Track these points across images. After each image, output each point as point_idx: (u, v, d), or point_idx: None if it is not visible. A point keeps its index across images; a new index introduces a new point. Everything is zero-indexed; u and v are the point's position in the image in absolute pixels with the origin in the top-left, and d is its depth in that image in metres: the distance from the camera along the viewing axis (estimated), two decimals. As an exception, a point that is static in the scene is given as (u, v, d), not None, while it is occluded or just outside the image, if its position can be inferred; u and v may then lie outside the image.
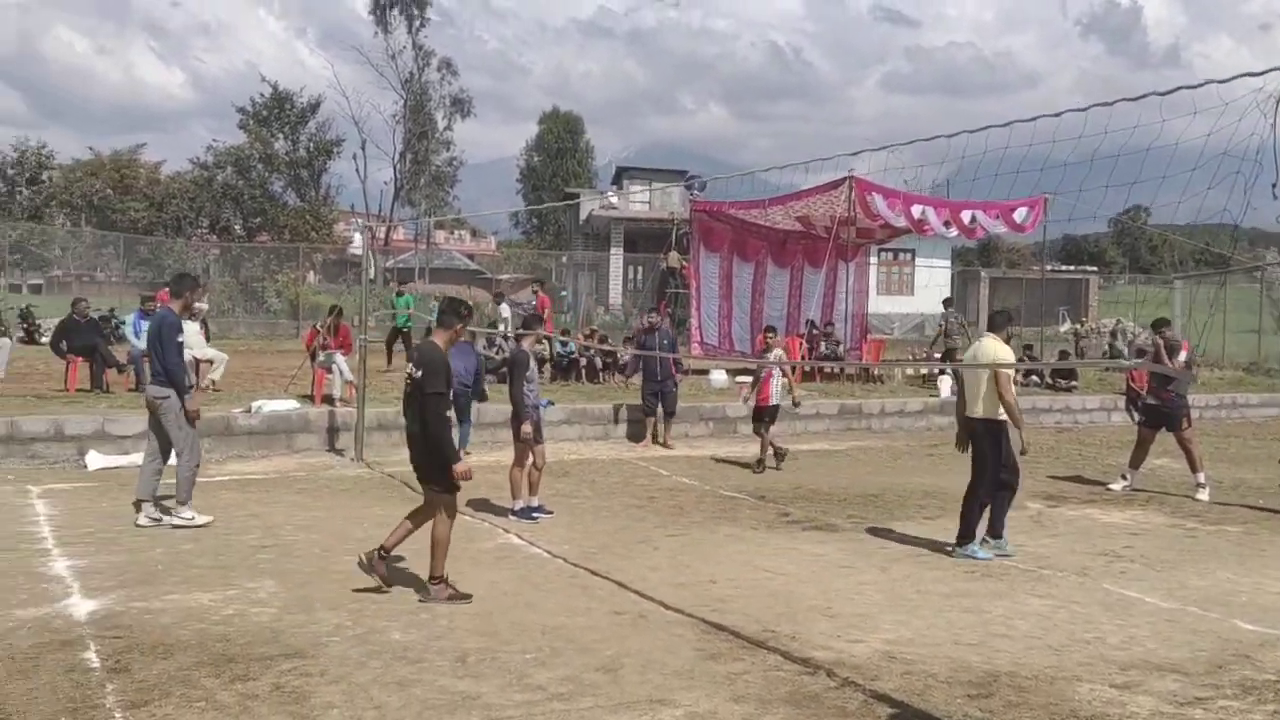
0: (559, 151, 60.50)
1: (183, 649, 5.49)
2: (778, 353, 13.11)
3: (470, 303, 9.52)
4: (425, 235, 47.89)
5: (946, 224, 18.39)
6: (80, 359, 13.84)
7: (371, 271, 15.20)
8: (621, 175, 43.08)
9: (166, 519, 8.46)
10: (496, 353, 17.90)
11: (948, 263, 36.01)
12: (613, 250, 38.09)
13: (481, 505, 9.73)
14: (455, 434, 8.02)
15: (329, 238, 47.30)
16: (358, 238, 51.06)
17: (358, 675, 5.19)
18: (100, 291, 41.05)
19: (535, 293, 23.28)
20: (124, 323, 15.18)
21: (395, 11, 47.55)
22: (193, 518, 8.47)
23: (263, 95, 44.24)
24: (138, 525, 8.35)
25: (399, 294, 20.93)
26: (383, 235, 48.59)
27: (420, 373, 6.48)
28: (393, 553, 6.71)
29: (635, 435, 14.58)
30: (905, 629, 6.19)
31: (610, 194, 40.73)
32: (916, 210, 18.08)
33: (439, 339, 6.70)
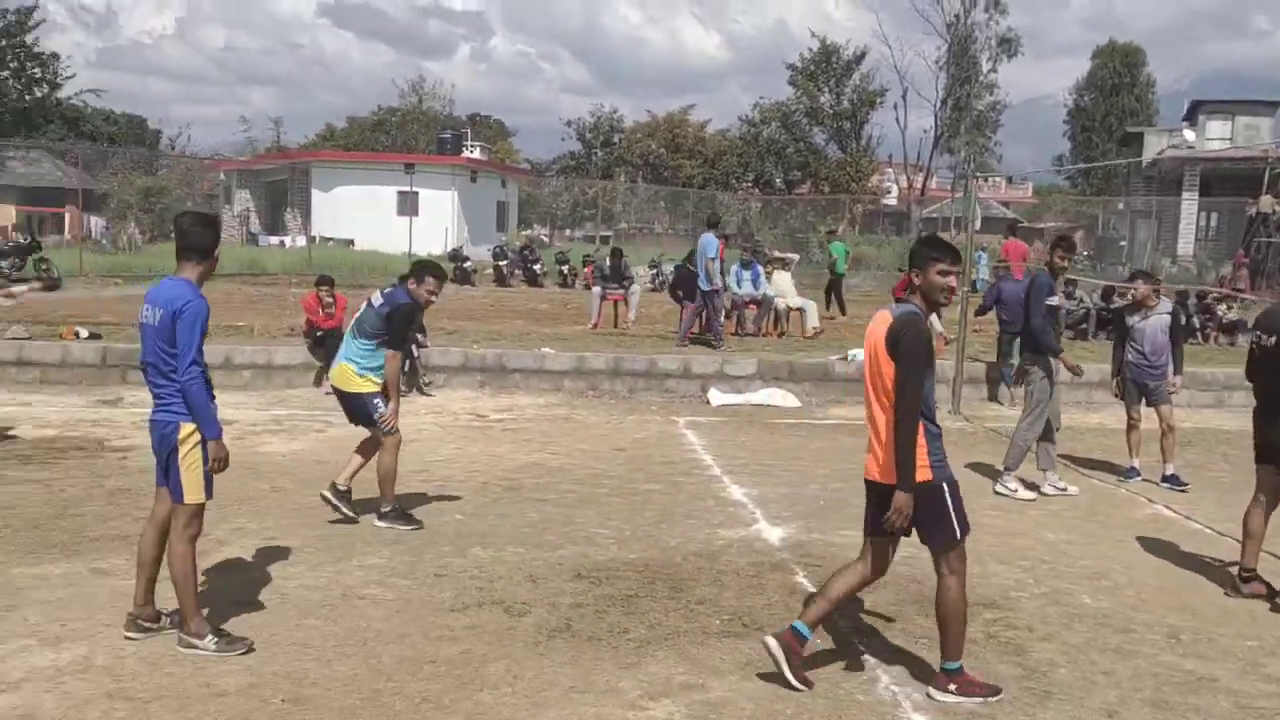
0: (1114, 88, 55.35)
1: (882, 585, 5.81)
2: None
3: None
4: (964, 184, 46.66)
5: None
6: (691, 304, 15.36)
7: (978, 223, 15.01)
8: (1196, 110, 38.26)
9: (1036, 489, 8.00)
10: (1078, 304, 16.88)
11: None
12: (1184, 195, 34.07)
13: (1098, 466, 9.25)
14: None
15: (865, 189, 47.92)
16: (895, 188, 51.22)
17: (1067, 636, 5.14)
18: (658, 242, 45.58)
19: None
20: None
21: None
22: (1015, 489, 7.92)
23: (810, 50, 45.70)
24: (997, 491, 7.97)
25: (830, 242, 21.69)
26: (919, 185, 48.24)
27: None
28: None
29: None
30: None
31: (1185, 130, 36.38)
32: None
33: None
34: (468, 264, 28.98)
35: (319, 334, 12.05)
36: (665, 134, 57.82)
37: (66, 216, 41.75)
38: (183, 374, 4.38)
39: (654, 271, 28.47)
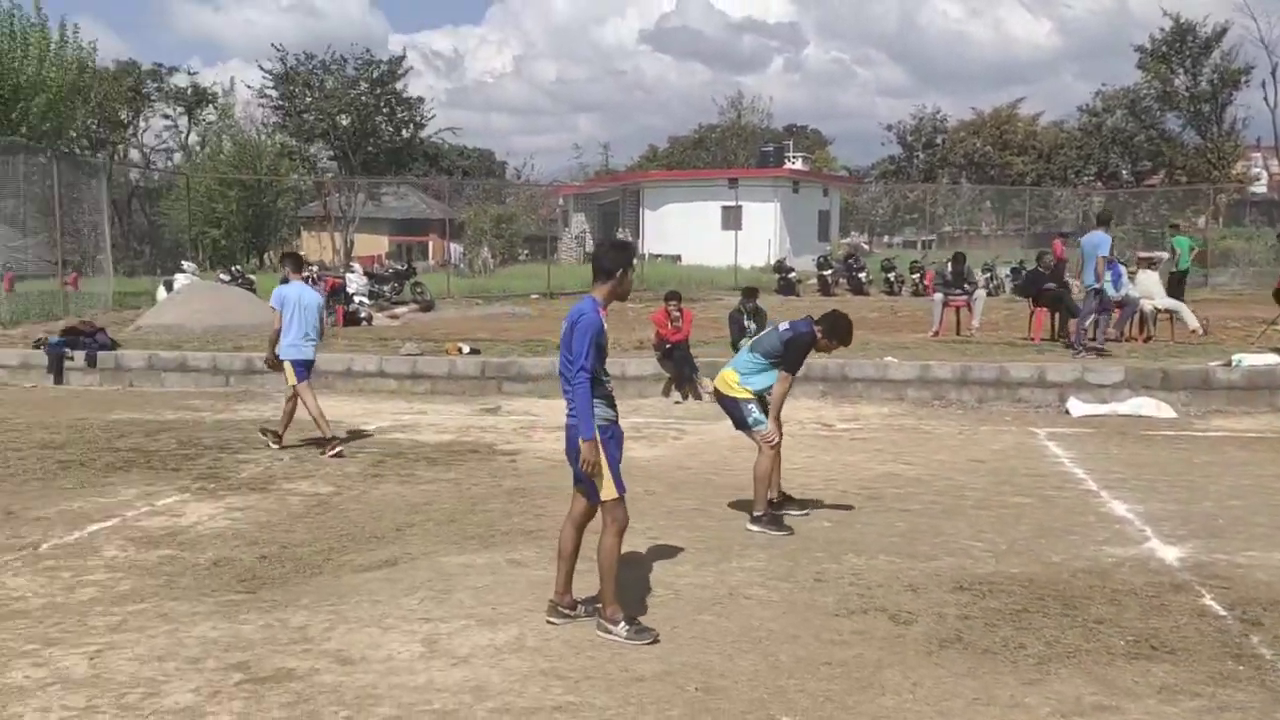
0: None
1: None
2: None
3: None
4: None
5: None
6: (1045, 308, 14.60)
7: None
8: None
9: None
10: None
11: None
12: None
13: None
14: None
15: (1229, 177, 43.19)
16: (1265, 174, 45.83)
17: None
18: (986, 245, 43.46)
19: None
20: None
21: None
22: None
23: (1161, 30, 41.95)
24: None
25: (1173, 236, 19.65)
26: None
27: None
28: None
29: None
30: None
31: None
32: None
33: None
34: (792, 274, 29.19)
35: (667, 346, 12.61)
36: (992, 130, 55.30)
37: (430, 244, 46.50)
38: (573, 378, 4.79)
39: (987, 275, 27.29)
